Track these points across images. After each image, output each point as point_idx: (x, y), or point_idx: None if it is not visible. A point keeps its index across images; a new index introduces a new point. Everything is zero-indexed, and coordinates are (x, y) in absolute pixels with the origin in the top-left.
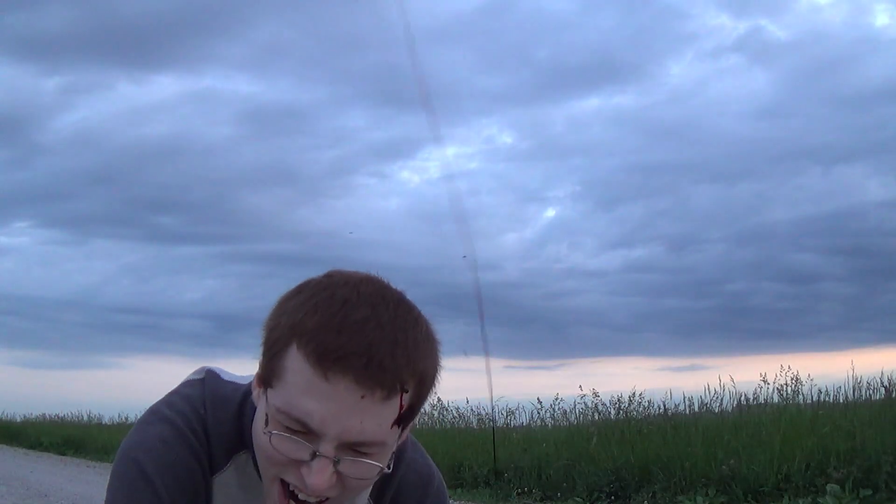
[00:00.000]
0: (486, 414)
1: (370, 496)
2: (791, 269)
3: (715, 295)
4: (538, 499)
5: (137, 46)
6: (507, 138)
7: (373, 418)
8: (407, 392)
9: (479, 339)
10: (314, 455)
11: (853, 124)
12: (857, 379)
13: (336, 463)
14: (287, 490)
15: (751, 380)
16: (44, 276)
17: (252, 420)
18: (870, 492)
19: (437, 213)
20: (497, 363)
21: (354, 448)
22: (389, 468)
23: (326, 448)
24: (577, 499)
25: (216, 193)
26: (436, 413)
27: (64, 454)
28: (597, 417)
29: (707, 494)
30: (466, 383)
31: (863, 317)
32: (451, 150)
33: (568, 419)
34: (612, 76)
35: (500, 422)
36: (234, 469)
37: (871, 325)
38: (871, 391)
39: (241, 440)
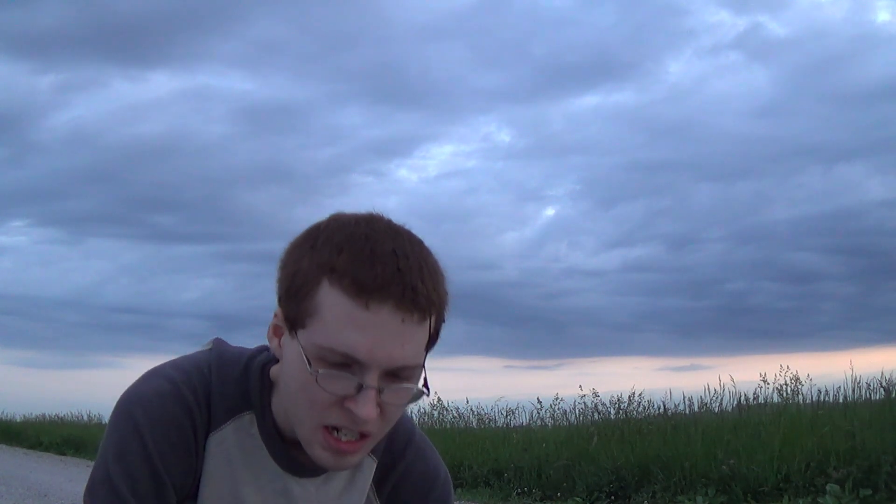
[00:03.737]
0: (486, 414)
1: (372, 480)
2: (791, 268)
3: (715, 294)
4: (538, 499)
5: (132, 44)
6: (505, 136)
7: (412, 342)
8: (433, 316)
9: (479, 339)
10: (360, 388)
11: (854, 122)
12: (856, 379)
13: (380, 392)
14: (331, 433)
15: (751, 380)
16: (42, 275)
17: (257, 382)
18: (870, 492)
19: (436, 212)
20: (497, 363)
21: (395, 375)
22: (427, 393)
23: (371, 378)
24: (577, 499)
25: (212, 192)
26: (436, 413)
27: (64, 454)
28: (597, 417)
29: (707, 494)
30: (466, 383)
31: (863, 317)
32: (448, 148)
33: (568, 419)
34: (610, 74)
35: (500, 422)
36: (232, 428)
37: (871, 325)
38: (870, 391)
39: (244, 400)
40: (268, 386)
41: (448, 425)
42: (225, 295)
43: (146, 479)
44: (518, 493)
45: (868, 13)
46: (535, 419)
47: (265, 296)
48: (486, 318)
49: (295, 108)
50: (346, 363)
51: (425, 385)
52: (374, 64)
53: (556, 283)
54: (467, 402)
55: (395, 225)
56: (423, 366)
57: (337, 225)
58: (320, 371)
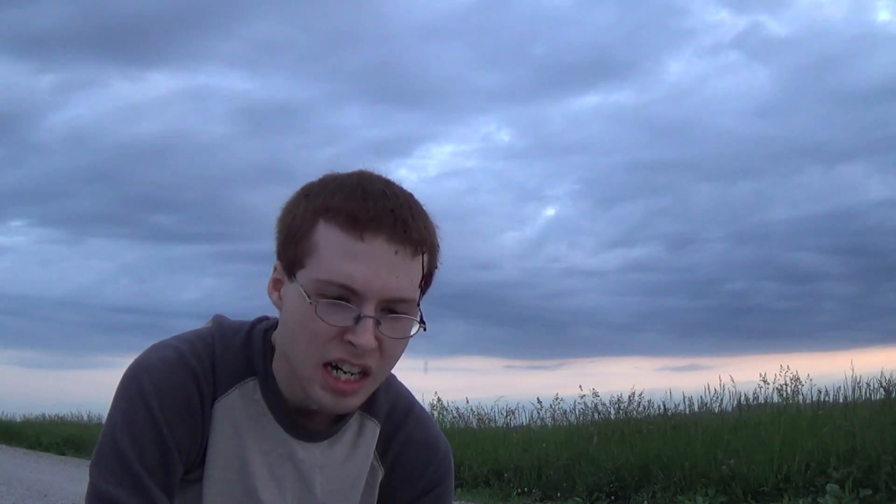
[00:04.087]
0: (486, 414)
1: (375, 449)
2: (791, 268)
3: (714, 294)
4: (538, 499)
5: (131, 43)
6: (504, 136)
7: (406, 274)
8: (425, 254)
9: (479, 339)
10: (358, 318)
11: (854, 122)
12: (856, 379)
13: (377, 324)
14: (330, 372)
15: (751, 380)
16: (41, 275)
17: (260, 347)
18: (870, 492)
19: (436, 212)
20: (497, 363)
21: (391, 308)
22: (424, 327)
23: (369, 308)
24: (577, 499)
25: (212, 192)
26: (436, 413)
27: (64, 454)
28: (597, 417)
29: (707, 494)
30: (466, 383)
31: (863, 316)
32: (448, 148)
33: (568, 419)
34: (610, 73)
35: (500, 422)
36: (238, 394)
37: (871, 325)
38: (870, 391)
39: (248, 367)
40: (270, 351)
41: (448, 425)
42: (225, 295)
43: (153, 446)
44: (518, 493)
45: (868, 13)
46: (535, 419)
47: (265, 296)
48: (486, 318)
49: (294, 107)
50: (345, 296)
51: (421, 321)
52: (373, 64)
53: (556, 283)
54: (467, 402)
55: (384, 177)
56: (419, 305)
57: (329, 177)
58: (319, 302)
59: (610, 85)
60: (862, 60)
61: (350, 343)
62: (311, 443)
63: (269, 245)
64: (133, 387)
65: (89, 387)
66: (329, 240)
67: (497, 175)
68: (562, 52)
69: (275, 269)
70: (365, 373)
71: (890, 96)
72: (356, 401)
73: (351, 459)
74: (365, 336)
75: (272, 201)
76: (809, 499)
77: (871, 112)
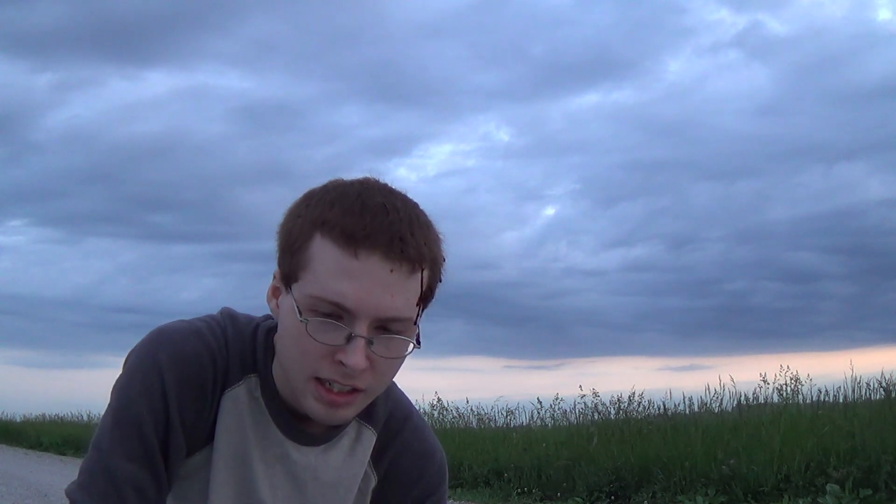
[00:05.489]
0: (486, 414)
1: (370, 457)
2: (791, 268)
3: (714, 294)
4: (538, 499)
5: (129, 42)
6: (504, 135)
7: (401, 293)
8: (425, 270)
9: (479, 339)
10: (350, 338)
11: (854, 121)
12: (856, 379)
13: (370, 344)
14: (322, 384)
15: (751, 380)
16: (41, 275)
17: (262, 346)
18: (870, 492)
19: (435, 212)
20: (497, 363)
21: (385, 326)
22: (418, 346)
23: (361, 328)
24: (577, 499)
25: (210, 191)
26: (436, 413)
27: (64, 454)
28: (597, 417)
29: (707, 494)
30: (466, 383)
31: (863, 316)
32: (447, 148)
33: (568, 419)
34: (609, 72)
35: (500, 422)
36: (245, 387)
37: (871, 325)
38: (870, 391)
39: (252, 363)
40: (271, 351)
41: (448, 425)
42: (224, 295)
43: (163, 424)
44: (518, 493)
45: (868, 11)
46: (535, 419)
47: (264, 296)
48: (486, 318)
49: (293, 106)
50: (337, 313)
51: (417, 340)
52: (372, 62)
53: (555, 282)
54: (467, 402)
55: (389, 186)
56: (417, 323)
57: (331, 185)
58: (310, 320)
59: (609, 84)
60: (862, 59)
61: (341, 363)
62: (307, 446)
63: (269, 245)
64: (150, 359)
65: (89, 387)
66: (323, 255)
67: (496, 174)
68: (561, 51)
69: (274, 276)
70: (356, 389)
71: (890, 96)
72: (349, 413)
73: (346, 466)
74: (355, 356)
75: (271, 200)
76: (809, 499)
77: (871, 112)
